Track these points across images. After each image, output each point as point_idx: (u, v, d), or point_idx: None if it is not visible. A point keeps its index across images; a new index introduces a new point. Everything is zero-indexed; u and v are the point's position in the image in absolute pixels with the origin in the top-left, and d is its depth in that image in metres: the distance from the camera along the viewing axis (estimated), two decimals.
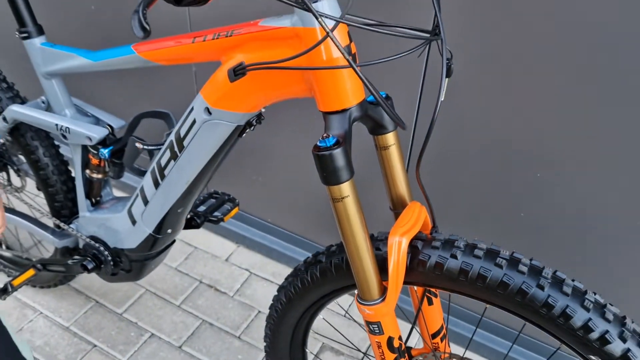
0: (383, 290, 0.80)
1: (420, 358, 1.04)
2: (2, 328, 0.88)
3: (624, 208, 1.10)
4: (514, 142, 1.15)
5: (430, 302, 0.96)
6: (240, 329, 1.56)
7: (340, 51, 0.58)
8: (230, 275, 1.73)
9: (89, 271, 1.24)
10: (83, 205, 1.22)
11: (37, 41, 1.08)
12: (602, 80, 1.00)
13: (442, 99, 0.73)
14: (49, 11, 1.58)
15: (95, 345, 1.50)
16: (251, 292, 1.68)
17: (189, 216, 1.21)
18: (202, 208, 1.27)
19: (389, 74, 1.14)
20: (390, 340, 0.83)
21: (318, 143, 0.70)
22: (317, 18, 0.56)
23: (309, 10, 0.56)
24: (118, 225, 1.15)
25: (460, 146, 1.22)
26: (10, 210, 1.39)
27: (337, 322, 1.56)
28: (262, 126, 1.28)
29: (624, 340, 0.71)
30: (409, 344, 1.04)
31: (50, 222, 1.31)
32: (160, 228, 1.08)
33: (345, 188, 0.72)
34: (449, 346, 1.02)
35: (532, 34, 1.02)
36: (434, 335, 0.99)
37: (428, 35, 0.71)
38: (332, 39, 0.57)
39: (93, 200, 1.23)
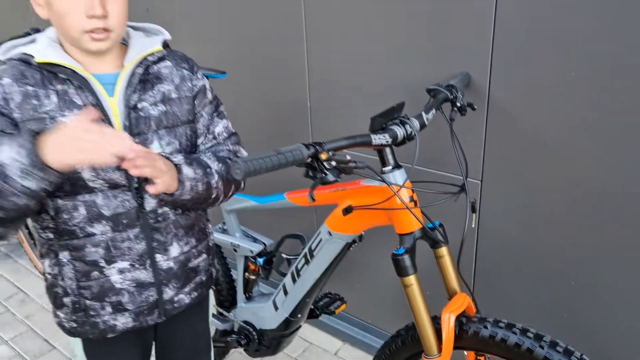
0: (440, 349, 1.23)
1: None
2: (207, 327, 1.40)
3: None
4: (551, 259, 1.55)
5: None
6: None
7: (402, 201, 1.11)
8: None
9: (242, 346, 1.76)
10: (241, 298, 1.78)
11: None
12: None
13: (474, 226, 1.21)
14: None
15: None
16: None
17: (311, 307, 1.71)
18: (319, 304, 1.76)
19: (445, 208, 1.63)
20: None
21: (394, 251, 1.21)
22: (389, 185, 1.10)
23: (384, 181, 1.10)
24: (264, 311, 1.68)
25: (512, 263, 1.63)
26: None
27: None
28: (364, 248, 1.79)
29: None
30: None
31: (214, 310, 1.88)
32: (294, 313, 1.59)
33: (411, 279, 1.20)
34: None
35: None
36: None
37: (458, 189, 1.22)
38: (397, 196, 1.10)
39: (247, 295, 1.79)
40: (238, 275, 1.76)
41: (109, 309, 1.14)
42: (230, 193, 1.22)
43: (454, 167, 1.57)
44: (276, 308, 1.63)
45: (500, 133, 1.51)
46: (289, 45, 1.89)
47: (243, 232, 1.76)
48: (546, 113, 1.41)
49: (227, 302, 1.88)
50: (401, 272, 1.21)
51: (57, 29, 1.05)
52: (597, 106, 1.32)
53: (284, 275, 1.60)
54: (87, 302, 1.13)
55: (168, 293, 1.20)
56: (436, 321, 1.27)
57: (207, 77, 1.60)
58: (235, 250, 1.71)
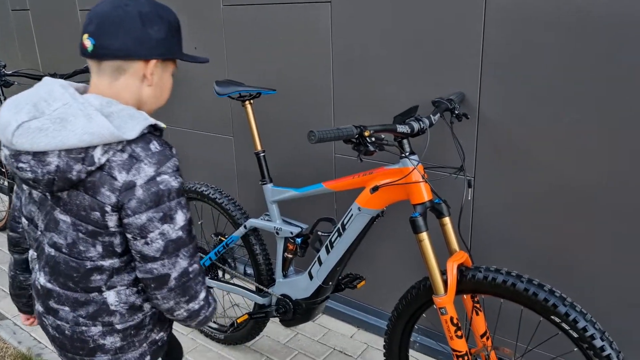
0: (446, 290, 1.62)
1: (476, 355, 1.77)
2: None
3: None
4: (526, 228, 1.97)
5: (477, 314, 1.74)
6: None
7: (418, 178, 1.54)
8: (354, 346, 2.52)
9: (279, 315, 2.13)
10: (279, 275, 2.17)
11: (270, 186, 2.15)
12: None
13: (470, 199, 1.63)
14: (278, 168, 2.73)
15: None
16: (369, 356, 2.44)
17: (337, 282, 2.09)
18: (344, 280, 2.15)
19: (449, 183, 2.06)
20: (451, 319, 1.62)
21: (411, 215, 1.62)
22: (410, 162, 1.53)
23: (407, 158, 1.54)
24: (300, 282, 2.07)
25: (498, 229, 2.05)
26: (231, 283, 2.36)
27: None
28: (374, 248, 2.18)
29: (565, 304, 1.47)
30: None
31: (252, 287, 2.25)
32: (326, 280, 1.98)
33: (423, 235, 1.62)
34: (491, 342, 1.75)
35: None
36: (482, 336, 1.75)
37: (456, 169, 1.65)
38: (413, 173, 1.53)
39: (284, 272, 2.17)
40: (277, 255, 2.16)
41: None
42: None
43: (452, 162, 2.02)
44: (311, 277, 2.02)
45: (487, 137, 1.96)
46: (318, 74, 2.37)
47: (283, 220, 2.17)
48: (522, 121, 1.87)
49: (266, 280, 2.26)
50: (416, 229, 1.62)
51: (153, 97, 1.23)
52: (558, 118, 1.78)
53: (318, 250, 1.99)
54: None
55: None
56: (444, 270, 1.67)
57: (260, 94, 2.07)
58: (277, 234, 2.12)
